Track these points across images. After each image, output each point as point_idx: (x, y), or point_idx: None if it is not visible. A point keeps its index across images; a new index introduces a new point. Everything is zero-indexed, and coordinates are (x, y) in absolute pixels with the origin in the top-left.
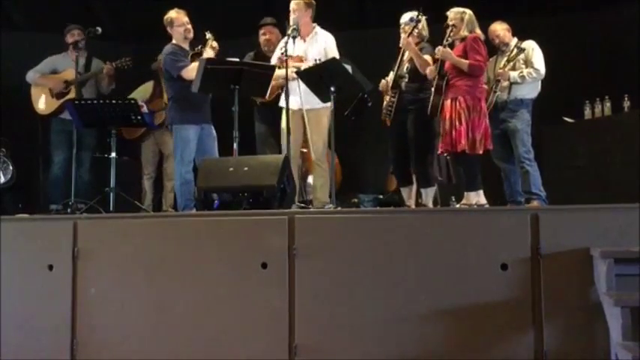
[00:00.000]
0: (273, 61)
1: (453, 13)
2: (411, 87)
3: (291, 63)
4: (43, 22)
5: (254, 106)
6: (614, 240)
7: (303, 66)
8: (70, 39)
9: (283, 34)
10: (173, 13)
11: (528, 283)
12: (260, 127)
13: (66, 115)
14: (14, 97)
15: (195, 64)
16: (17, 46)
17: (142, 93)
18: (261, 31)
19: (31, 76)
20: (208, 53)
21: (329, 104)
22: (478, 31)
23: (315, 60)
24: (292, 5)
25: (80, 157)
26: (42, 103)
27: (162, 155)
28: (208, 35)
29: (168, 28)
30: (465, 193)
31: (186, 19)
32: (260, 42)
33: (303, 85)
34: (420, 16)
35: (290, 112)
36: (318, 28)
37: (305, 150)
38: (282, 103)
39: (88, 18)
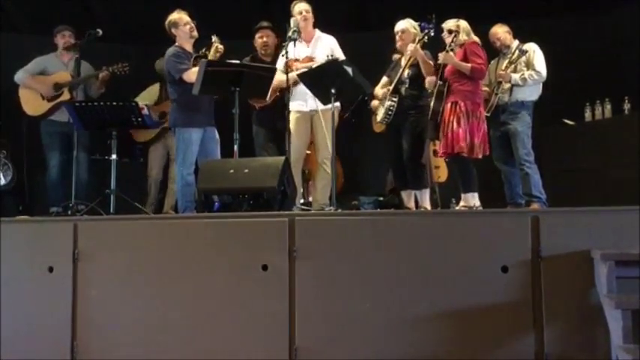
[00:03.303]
0: (280, 65)
1: (449, 23)
2: (410, 93)
3: (300, 65)
4: (43, 24)
5: (252, 109)
6: (614, 242)
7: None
8: (60, 40)
9: (280, 37)
10: (175, 15)
11: (529, 286)
12: (258, 131)
13: (56, 117)
14: (14, 98)
15: (196, 69)
16: (17, 48)
17: (148, 96)
18: (258, 34)
19: (20, 76)
20: (214, 57)
21: (338, 104)
22: (474, 37)
23: (328, 57)
24: (305, 7)
25: (76, 158)
26: (32, 105)
27: (169, 159)
28: (214, 38)
29: (173, 30)
30: (462, 195)
31: (188, 18)
32: (257, 45)
33: None
34: (433, 23)
35: (298, 114)
36: (318, 32)
37: (309, 152)
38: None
39: (87, 20)
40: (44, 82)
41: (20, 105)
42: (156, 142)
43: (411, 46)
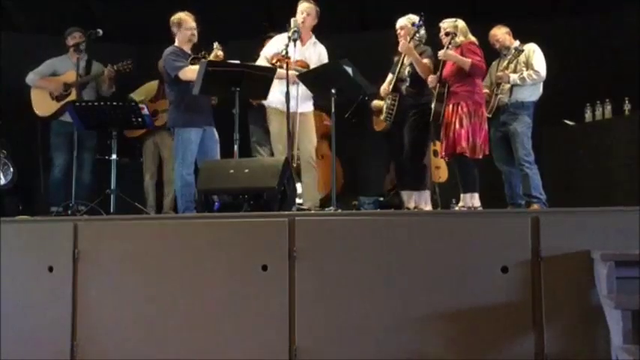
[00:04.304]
0: (264, 53)
1: (446, 23)
2: (411, 91)
3: (293, 66)
4: (44, 24)
5: (250, 107)
6: (614, 242)
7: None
8: (71, 41)
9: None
10: (183, 15)
11: (529, 286)
12: (253, 129)
13: (66, 118)
14: (14, 98)
15: (192, 67)
16: (17, 47)
17: (145, 92)
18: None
19: (31, 78)
20: None
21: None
22: (471, 37)
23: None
24: (306, 8)
25: (81, 159)
26: (42, 106)
27: (161, 158)
28: (216, 45)
29: (174, 29)
30: (462, 195)
31: (194, 24)
32: None
33: (300, 89)
34: (421, 21)
35: (278, 112)
36: (315, 38)
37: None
38: (267, 103)
39: (88, 19)
40: (54, 82)
41: (30, 105)
42: (146, 139)
43: (402, 45)
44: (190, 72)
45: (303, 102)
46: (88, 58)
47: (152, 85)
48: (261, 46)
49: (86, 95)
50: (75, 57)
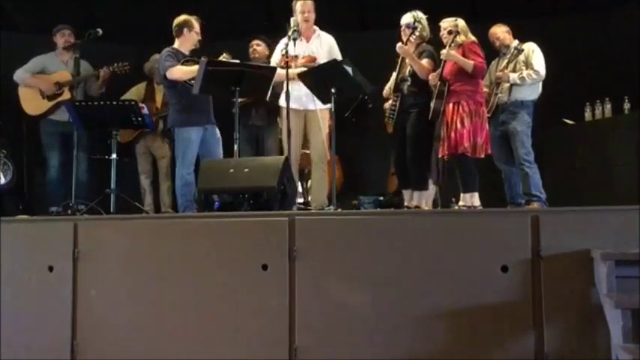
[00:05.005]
0: (274, 60)
1: (446, 22)
2: (412, 90)
3: (301, 62)
4: (44, 24)
5: (243, 108)
6: (614, 242)
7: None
8: (60, 39)
9: (273, 45)
10: (192, 18)
11: (529, 285)
12: (241, 130)
13: (56, 117)
14: (14, 98)
15: (181, 67)
16: (17, 47)
17: (136, 93)
18: (255, 42)
19: (20, 75)
20: None
21: (330, 105)
22: (472, 36)
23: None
24: (308, 7)
25: (77, 158)
26: (32, 105)
27: (154, 158)
28: (224, 55)
29: (183, 29)
30: (462, 194)
31: (199, 30)
32: (250, 51)
33: None
34: (416, 23)
35: (291, 112)
36: (318, 30)
37: (307, 151)
38: (281, 101)
39: (88, 19)
40: (45, 80)
41: (19, 104)
42: (137, 141)
43: (398, 47)
44: (178, 72)
45: (317, 101)
46: (77, 57)
47: (139, 88)
48: (247, 46)
49: (76, 95)
50: (66, 55)
